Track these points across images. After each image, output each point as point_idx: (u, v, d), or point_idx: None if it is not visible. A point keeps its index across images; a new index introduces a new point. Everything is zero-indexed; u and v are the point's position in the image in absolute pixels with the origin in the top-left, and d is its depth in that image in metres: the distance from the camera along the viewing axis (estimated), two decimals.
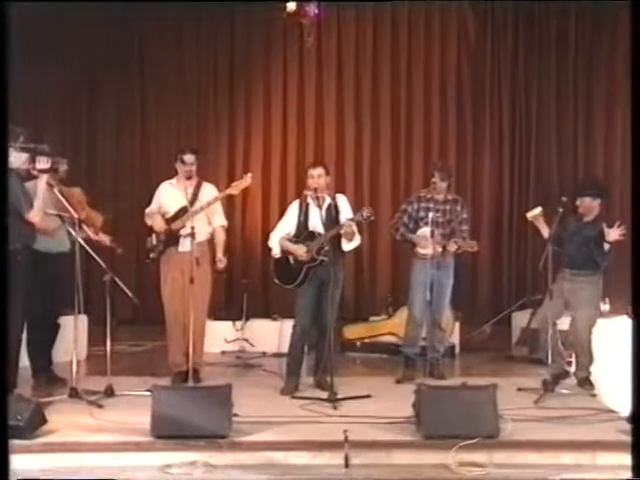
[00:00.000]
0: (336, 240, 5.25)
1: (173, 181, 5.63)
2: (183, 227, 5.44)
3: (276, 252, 5.40)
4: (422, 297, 5.55)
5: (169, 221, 5.54)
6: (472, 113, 8.21)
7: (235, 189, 5.47)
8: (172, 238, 5.50)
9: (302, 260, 5.28)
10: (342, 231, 5.19)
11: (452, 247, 5.58)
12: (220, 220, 5.69)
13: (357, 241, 5.35)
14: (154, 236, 5.54)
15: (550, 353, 5.22)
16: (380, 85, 8.26)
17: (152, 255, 5.56)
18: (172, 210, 5.54)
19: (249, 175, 5.47)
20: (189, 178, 5.48)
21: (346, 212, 5.39)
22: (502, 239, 8.19)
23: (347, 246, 5.31)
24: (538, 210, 5.52)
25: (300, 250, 5.28)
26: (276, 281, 5.42)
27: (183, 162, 5.50)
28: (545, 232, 5.46)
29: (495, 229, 8.21)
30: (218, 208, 5.64)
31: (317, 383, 5.32)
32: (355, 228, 5.23)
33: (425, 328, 5.72)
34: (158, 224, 5.51)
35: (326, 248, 5.15)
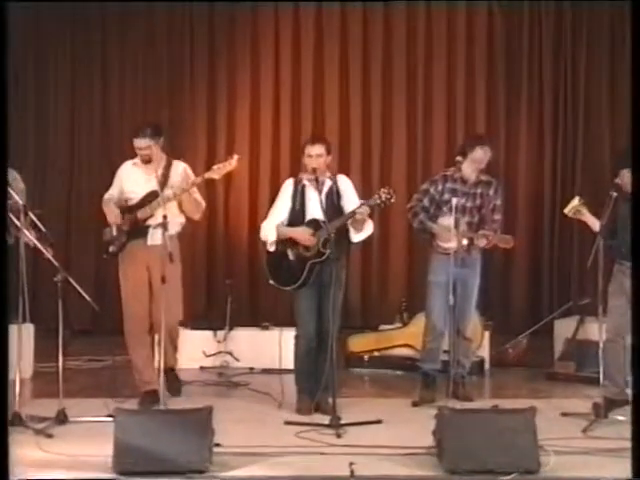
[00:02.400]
0: (341, 230, 5.25)
1: (137, 160, 5.62)
2: (152, 216, 5.44)
3: (271, 241, 5.37)
4: (443, 301, 5.54)
5: (134, 208, 5.52)
6: (505, 81, 8.24)
7: (217, 173, 5.44)
8: (138, 229, 5.50)
9: (305, 255, 5.28)
10: (354, 219, 5.19)
11: (481, 241, 5.58)
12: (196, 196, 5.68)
13: (369, 230, 5.35)
14: (114, 226, 5.55)
15: (605, 370, 5.16)
16: (393, 49, 8.29)
17: (112, 248, 5.57)
18: (137, 195, 5.53)
19: (235, 157, 5.45)
20: (147, 162, 5.49)
21: (350, 196, 5.39)
22: (542, 231, 8.21)
23: (357, 236, 5.32)
24: (576, 201, 5.46)
25: (306, 234, 5.25)
26: (271, 282, 5.40)
27: (136, 147, 5.53)
28: (595, 224, 5.39)
29: (533, 219, 8.23)
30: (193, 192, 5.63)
31: (316, 405, 5.33)
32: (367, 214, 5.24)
33: (447, 339, 5.72)
34: (112, 215, 5.52)
35: (332, 240, 5.15)
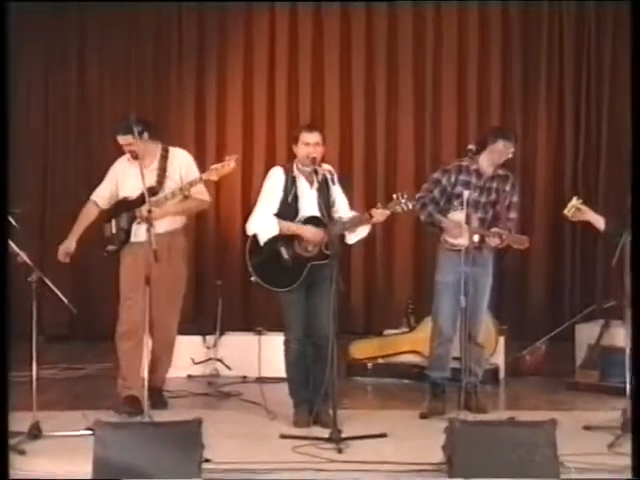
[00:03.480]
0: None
1: (129, 156, 5.66)
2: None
3: (270, 236, 5.30)
4: (451, 302, 5.55)
5: (133, 205, 5.57)
6: (522, 76, 8.27)
7: (215, 174, 5.51)
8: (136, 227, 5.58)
9: (303, 255, 5.26)
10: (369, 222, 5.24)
11: (494, 240, 5.59)
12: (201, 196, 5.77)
13: (365, 232, 5.39)
14: (114, 222, 5.62)
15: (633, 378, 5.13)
16: (399, 30, 8.31)
17: (110, 247, 5.65)
18: (135, 191, 5.54)
19: (233, 158, 5.50)
20: (136, 158, 5.48)
21: (338, 189, 5.41)
22: (562, 229, 8.21)
23: (352, 238, 5.38)
24: (574, 200, 5.47)
25: (318, 235, 5.23)
26: (255, 280, 5.34)
27: (120, 145, 5.59)
28: (599, 222, 5.43)
29: (554, 216, 8.19)
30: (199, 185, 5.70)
31: (316, 417, 5.33)
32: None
33: (457, 345, 5.71)
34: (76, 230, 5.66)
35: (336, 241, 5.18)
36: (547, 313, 8.08)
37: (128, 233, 5.59)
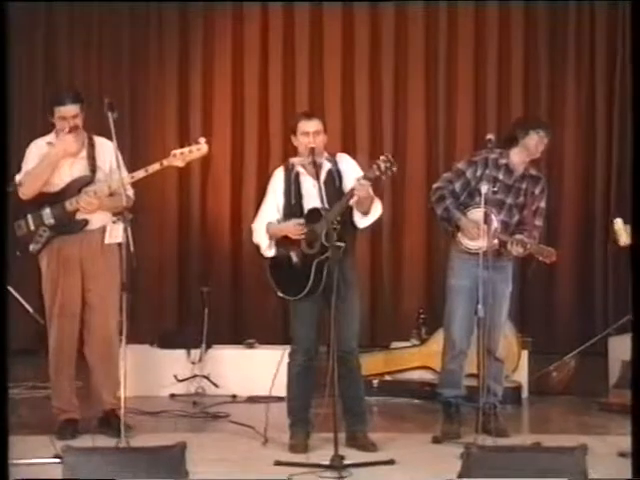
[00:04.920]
0: (345, 218, 5.26)
1: (51, 139, 5.61)
2: (78, 210, 5.46)
3: (266, 246, 5.39)
4: (466, 311, 5.60)
5: (59, 197, 5.50)
6: (549, 54, 8.31)
7: (179, 159, 5.44)
8: (66, 222, 5.51)
9: (308, 253, 5.27)
10: (354, 198, 5.18)
11: (516, 249, 5.58)
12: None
13: (377, 210, 5.33)
14: (30, 217, 5.51)
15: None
16: (409, 9, 8.31)
17: (33, 246, 5.55)
18: (60, 181, 5.52)
19: (203, 141, 5.44)
20: (71, 131, 5.46)
21: (353, 176, 5.38)
22: (593, 233, 8.28)
23: (364, 220, 5.32)
24: (619, 224, 5.65)
25: (292, 226, 5.27)
26: (280, 295, 5.41)
27: (63, 119, 5.49)
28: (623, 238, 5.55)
29: (583, 219, 8.30)
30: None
31: (350, 438, 5.37)
32: (371, 191, 5.24)
33: (473, 359, 5.70)
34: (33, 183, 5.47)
35: (335, 228, 5.17)
36: (576, 324, 8.09)
37: (54, 229, 5.49)
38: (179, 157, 5.42)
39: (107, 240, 5.48)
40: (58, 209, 5.48)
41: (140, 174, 5.45)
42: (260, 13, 8.33)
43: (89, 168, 5.47)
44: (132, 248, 5.04)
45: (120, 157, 5.48)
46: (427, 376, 6.72)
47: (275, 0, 8.31)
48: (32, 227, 5.52)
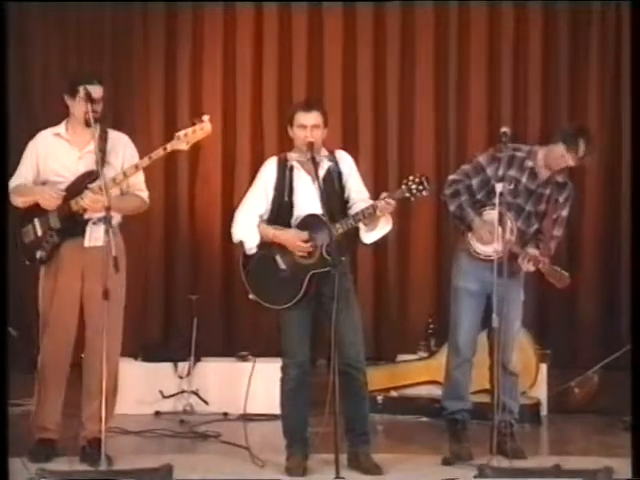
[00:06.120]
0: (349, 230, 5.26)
1: (61, 130, 5.58)
2: (86, 211, 5.41)
3: (250, 246, 5.36)
4: (474, 315, 5.64)
5: (65, 196, 5.46)
6: (569, 45, 8.31)
7: (184, 141, 5.37)
8: (73, 225, 5.47)
9: (302, 263, 5.25)
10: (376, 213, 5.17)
11: (527, 266, 5.58)
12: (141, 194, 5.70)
13: (387, 226, 5.34)
14: (37, 222, 5.48)
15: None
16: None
17: (39, 253, 5.50)
18: (65, 178, 5.48)
19: (206, 119, 5.36)
20: (89, 125, 5.37)
21: (355, 180, 5.43)
22: (618, 235, 8.28)
23: (370, 236, 5.34)
24: None
25: (298, 240, 5.24)
26: (253, 297, 5.37)
27: (89, 99, 5.40)
28: None
29: (607, 228, 8.32)
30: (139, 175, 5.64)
31: (352, 459, 5.36)
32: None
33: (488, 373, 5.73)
34: (47, 197, 5.41)
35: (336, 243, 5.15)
36: (600, 335, 8.07)
37: (62, 233, 5.45)
38: (183, 139, 5.36)
39: (86, 243, 5.44)
40: (64, 210, 5.43)
41: (144, 162, 5.41)
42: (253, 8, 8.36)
43: (99, 164, 5.32)
44: (114, 252, 5.03)
45: (137, 156, 5.52)
46: (436, 392, 6.64)
47: None
48: (39, 232, 5.49)
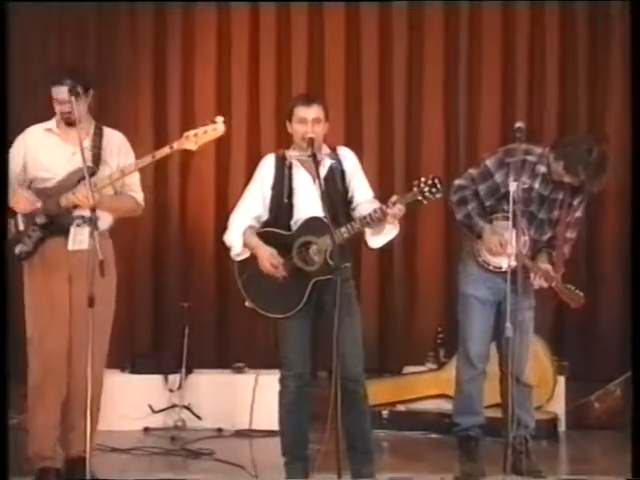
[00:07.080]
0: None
1: (52, 125, 5.61)
2: (78, 206, 5.42)
3: (237, 252, 5.38)
4: (485, 324, 5.69)
5: (53, 193, 5.48)
6: (588, 45, 8.35)
7: (193, 141, 5.36)
8: (59, 222, 5.48)
9: (303, 269, 5.23)
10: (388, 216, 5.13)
11: (539, 282, 5.60)
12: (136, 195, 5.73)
13: (394, 231, 5.31)
14: (20, 217, 5.48)
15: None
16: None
17: (19, 249, 5.52)
18: (55, 174, 5.50)
19: (220, 120, 5.35)
20: (70, 124, 5.43)
21: (360, 179, 5.42)
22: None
23: (376, 240, 5.32)
24: None
25: (268, 257, 5.24)
26: (249, 305, 5.36)
27: (54, 99, 5.51)
28: None
29: (628, 234, 8.15)
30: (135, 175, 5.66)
31: (355, 474, 5.35)
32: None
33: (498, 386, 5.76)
34: (21, 201, 5.44)
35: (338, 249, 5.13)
36: (622, 346, 7.89)
37: (46, 229, 5.46)
38: (192, 139, 5.35)
39: (70, 246, 5.44)
40: (51, 205, 5.43)
41: (147, 160, 5.41)
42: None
43: (92, 159, 5.40)
44: (100, 256, 5.00)
45: (132, 155, 5.55)
46: (446, 406, 6.71)
47: None
48: (21, 227, 5.49)
